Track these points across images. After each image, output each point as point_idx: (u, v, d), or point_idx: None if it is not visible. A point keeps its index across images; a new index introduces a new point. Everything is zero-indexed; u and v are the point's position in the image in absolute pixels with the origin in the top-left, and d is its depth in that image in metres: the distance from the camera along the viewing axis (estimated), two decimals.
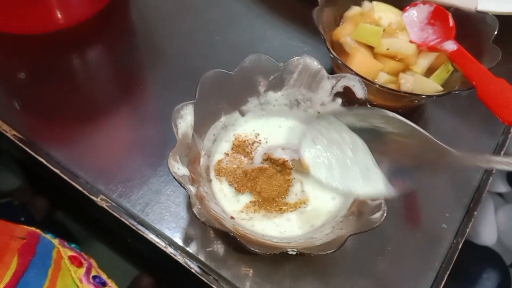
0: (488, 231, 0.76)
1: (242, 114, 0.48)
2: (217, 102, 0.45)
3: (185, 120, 0.42)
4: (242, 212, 0.44)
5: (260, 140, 0.47)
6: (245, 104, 0.47)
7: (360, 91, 0.44)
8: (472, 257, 0.67)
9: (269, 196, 0.44)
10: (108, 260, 0.89)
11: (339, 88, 0.45)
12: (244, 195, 0.45)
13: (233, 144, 0.47)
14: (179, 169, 0.39)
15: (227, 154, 0.46)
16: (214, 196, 0.44)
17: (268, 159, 0.45)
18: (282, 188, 0.44)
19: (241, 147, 0.47)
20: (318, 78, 0.45)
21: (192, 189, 0.39)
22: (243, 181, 0.44)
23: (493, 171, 0.52)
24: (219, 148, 0.47)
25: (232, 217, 0.43)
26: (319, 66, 0.45)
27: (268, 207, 0.44)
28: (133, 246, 0.54)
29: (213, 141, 0.46)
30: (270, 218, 0.43)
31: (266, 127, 0.48)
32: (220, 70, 0.44)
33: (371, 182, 0.39)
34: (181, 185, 0.38)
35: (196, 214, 0.36)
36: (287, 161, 0.45)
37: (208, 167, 0.45)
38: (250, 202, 0.44)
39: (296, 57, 0.45)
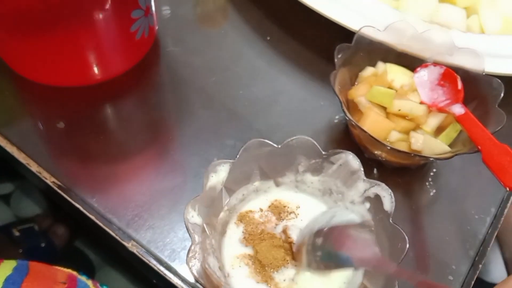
0: (498, 268, 0.78)
1: (277, 184, 0.50)
2: (255, 167, 0.48)
3: (218, 175, 0.45)
4: (238, 258, 0.46)
5: (298, 214, 0.49)
6: (281, 177, 0.50)
7: (388, 204, 0.45)
8: None
9: (262, 260, 0.45)
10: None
11: (370, 193, 0.47)
12: (248, 248, 0.47)
13: (272, 203, 0.49)
14: (193, 217, 0.43)
15: (261, 209, 0.49)
16: (220, 246, 0.46)
17: (284, 231, 0.47)
18: (276, 262, 0.45)
19: (277, 210, 0.49)
20: (355, 177, 0.47)
21: (197, 238, 0.42)
22: (255, 235, 0.47)
23: (499, 225, 0.56)
24: (247, 206, 0.49)
25: (227, 275, 0.45)
26: (359, 166, 0.47)
27: (258, 270, 0.45)
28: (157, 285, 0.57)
29: (241, 200, 0.49)
30: (257, 283, 0.45)
31: (307, 204, 0.50)
32: (265, 141, 0.47)
33: None
34: (188, 231, 0.41)
35: (188, 262, 0.39)
36: (293, 243, 0.46)
37: (227, 222, 0.48)
38: (249, 255, 0.46)
39: (340, 151, 0.47)
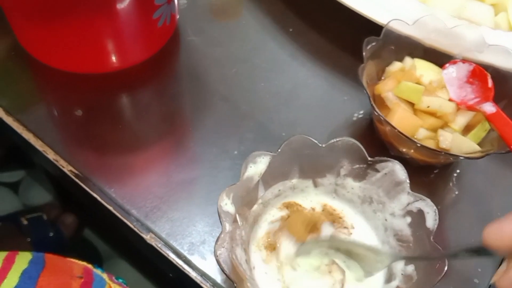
0: None
1: (315, 185, 0.49)
2: (295, 164, 0.47)
3: (257, 167, 0.44)
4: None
5: (351, 233, 0.48)
6: (321, 178, 0.48)
7: (431, 221, 0.43)
8: None
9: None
10: (135, 281, 0.91)
11: (413, 207, 0.45)
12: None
13: (324, 208, 0.49)
14: (227, 204, 0.42)
15: (312, 209, 0.48)
16: (249, 238, 0.46)
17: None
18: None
19: (332, 217, 0.48)
20: (399, 189, 0.45)
21: (228, 227, 0.41)
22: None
23: None
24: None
25: (253, 268, 0.44)
26: (406, 178, 0.45)
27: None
28: (170, 277, 0.56)
29: (276, 196, 0.48)
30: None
31: (361, 228, 0.49)
32: (310, 138, 0.45)
33: None
34: (220, 218, 0.40)
35: (216, 249, 0.38)
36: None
37: (259, 215, 0.47)
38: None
39: (387, 159, 0.45)
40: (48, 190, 0.99)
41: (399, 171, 0.45)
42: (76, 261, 0.48)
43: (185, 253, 0.48)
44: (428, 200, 0.44)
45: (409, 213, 0.45)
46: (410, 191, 0.45)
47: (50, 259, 0.45)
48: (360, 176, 0.47)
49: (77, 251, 0.95)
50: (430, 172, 0.56)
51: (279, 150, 0.45)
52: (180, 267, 0.48)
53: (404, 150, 0.52)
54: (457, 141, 0.50)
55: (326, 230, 0.47)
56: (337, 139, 0.46)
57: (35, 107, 0.57)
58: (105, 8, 0.51)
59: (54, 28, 0.53)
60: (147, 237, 0.49)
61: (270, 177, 0.46)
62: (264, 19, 0.69)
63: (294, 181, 0.48)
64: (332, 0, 0.62)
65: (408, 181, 0.45)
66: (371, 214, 0.48)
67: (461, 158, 0.49)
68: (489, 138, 0.52)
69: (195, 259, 0.48)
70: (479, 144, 0.52)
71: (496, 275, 0.35)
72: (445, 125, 0.53)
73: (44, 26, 0.53)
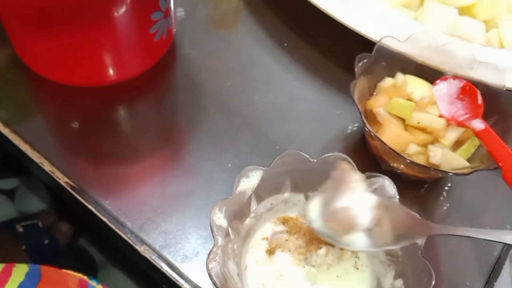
0: None
1: (307, 198, 0.49)
2: (287, 178, 0.48)
3: (250, 181, 0.45)
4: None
5: None
6: (313, 192, 0.49)
7: None
8: None
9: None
10: None
11: None
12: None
13: None
14: (219, 218, 0.42)
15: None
16: (241, 252, 0.46)
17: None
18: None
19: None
20: None
21: (220, 241, 0.42)
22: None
23: None
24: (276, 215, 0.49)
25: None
26: (395, 193, 0.46)
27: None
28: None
29: (268, 209, 0.49)
30: None
31: None
32: (302, 153, 0.46)
33: None
34: (212, 232, 0.41)
35: (208, 263, 0.39)
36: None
37: (252, 228, 0.48)
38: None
39: (377, 175, 0.46)
40: (44, 197, 0.99)
41: (389, 186, 0.46)
42: (72, 273, 0.48)
43: (178, 265, 0.49)
44: (417, 215, 0.44)
45: None
46: (400, 204, 0.46)
47: (46, 271, 0.45)
48: None
49: (71, 259, 0.95)
50: (420, 186, 0.57)
51: (272, 165, 0.46)
52: (174, 279, 0.48)
53: (395, 165, 0.53)
54: (447, 157, 0.51)
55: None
56: (329, 154, 0.47)
57: (32, 119, 0.58)
58: (103, 23, 0.51)
59: (52, 42, 0.54)
60: (141, 249, 0.49)
61: (262, 191, 0.47)
62: (259, 33, 0.70)
63: (286, 195, 0.49)
64: (326, 16, 0.63)
65: (397, 196, 0.46)
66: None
67: (450, 174, 0.50)
68: (478, 154, 0.53)
69: (188, 272, 0.49)
70: (468, 160, 0.53)
71: None
72: (435, 141, 0.54)
73: (42, 39, 0.54)
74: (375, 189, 0.47)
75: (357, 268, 0.47)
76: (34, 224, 0.92)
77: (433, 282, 0.41)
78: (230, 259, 0.43)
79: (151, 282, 0.63)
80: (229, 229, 0.44)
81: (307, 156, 0.46)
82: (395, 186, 0.46)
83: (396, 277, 0.45)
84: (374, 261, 0.47)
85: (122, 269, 0.96)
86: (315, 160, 0.47)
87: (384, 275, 0.46)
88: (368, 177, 0.47)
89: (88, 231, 0.96)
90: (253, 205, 0.47)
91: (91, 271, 0.95)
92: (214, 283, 0.39)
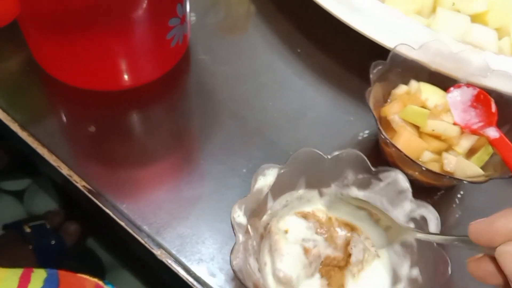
0: None
1: (321, 194, 0.51)
2: (301, 175, 0.49)
3: (266, 179, 0.46)
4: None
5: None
6: (326, 188, 0.50)
7: (433, 227, 0.45)
8: None
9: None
10: None
11: (416, 215, 0.46)
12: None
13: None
14: (239, 216, 0.43)
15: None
16: (260, 248, 0.47)
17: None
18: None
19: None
20: (402, 197, 0.47)
21: (241, 238, 0.43)
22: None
23: None
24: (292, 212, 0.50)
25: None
26: (408, 186, 0.46)
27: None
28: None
29: (284, 206, 0.50)
30: None
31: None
32: (315, 150, 0.47)
33: None
34: (233, 230, 0.42)
35: (232, 260, 0.40)
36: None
37: (269, 224, 0.49)
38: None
39: (390, 169, 0.47)
40: (52, 199, 0.99)
41: (402, 180, 0.47)
42: (88, 277, 0.49)
43: (195, 269, 0.49)
44: (431, 207, 0.46)
45: (412, 220, 0.47)
46: (412, 198, 0.47)
47: (64, 276, 0.46)
48: (364, 185, 0.49)
49: (79, 260, 0.96)
50: (434, 193, 0.58)
51: (287, 162, 0.46)
52: (190, 284, 0.49)
53: (409, 172, 0.54)
54: (461, 165, 0.52)
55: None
56: (342, 151, 0.48)
57: (49, 122, 0.58)
58: (120, 28, 0.52)
59: (69, 46, 0.54)
60: (158, 253, 0.50)
61: (278, 189, 0.48)
62: (272, 39, 0.70)
63: (301, 191, 0.50)
64: (340, 23, 0.63)
65: (410, 189, 0.47)
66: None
67: (465, 182, 0.50)
68: (492, 162, 0.54)
69: (204, 276, 0.49)
70: (482, 168, 0.53)
71: (470, 261, 0.36)
72: (449, 148, 0.54)
73: (59, 44, 0.54)
74: (388, 183, 0.48)
75: (378, 256, 0.48)
76: (42, 224, 0.92)
77: (450, 271, 0.42)
78: (251, 256, 0.44)
79: (160, 284, 0.63)
80: (248, 226, 0.45)
81: (320, 153, 0.47)
82: (407, 180, 0.47)
83: (412, 266, 0.46)
84: (389, 252, 0.48)
85: (130, 271, 0.97)
86: (328, 157, 0.48)
87: (400, 266, 0.47)
88: (380, 172, 0.48)
89: (96, 232, 0.97)
90: (270, 202, 0.48)
91: (99, 272, 0.95)
92: (239, 278, 0.40)
